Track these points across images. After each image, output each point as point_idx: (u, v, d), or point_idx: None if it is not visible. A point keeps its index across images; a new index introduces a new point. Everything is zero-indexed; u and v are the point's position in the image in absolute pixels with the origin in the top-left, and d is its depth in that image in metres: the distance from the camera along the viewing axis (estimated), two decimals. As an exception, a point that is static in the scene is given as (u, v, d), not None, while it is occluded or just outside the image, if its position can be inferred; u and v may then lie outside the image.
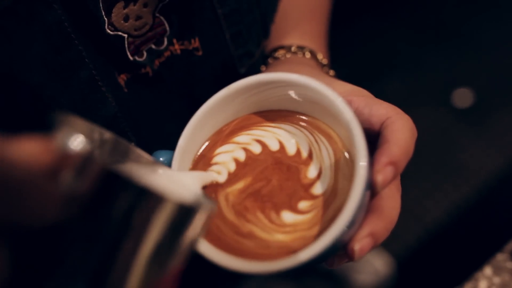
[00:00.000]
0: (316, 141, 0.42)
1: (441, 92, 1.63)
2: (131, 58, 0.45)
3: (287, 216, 0.39)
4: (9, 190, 0.24)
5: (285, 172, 0.41)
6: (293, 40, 0.58)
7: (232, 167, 0.42)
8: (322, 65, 0.56)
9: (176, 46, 0.48)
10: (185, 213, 0.28)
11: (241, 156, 0.43)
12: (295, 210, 0.39)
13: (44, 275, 0.25)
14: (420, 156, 1.53)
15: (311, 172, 0.41)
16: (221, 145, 0.44)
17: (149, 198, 0.26)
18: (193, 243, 0.29)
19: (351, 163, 0.40)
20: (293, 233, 0.38)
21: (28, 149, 0.25)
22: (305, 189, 0.40)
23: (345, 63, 1.67)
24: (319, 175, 0.40)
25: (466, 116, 1.58)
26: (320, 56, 0.56)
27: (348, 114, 0.38)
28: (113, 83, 0.45)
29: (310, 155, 0.41)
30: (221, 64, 0.52)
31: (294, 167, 0.41)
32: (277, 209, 0.39)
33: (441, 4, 1.82)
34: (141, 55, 0.46)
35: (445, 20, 1.80)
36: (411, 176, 1.49)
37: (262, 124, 0.44)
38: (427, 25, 1.80)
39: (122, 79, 0.46)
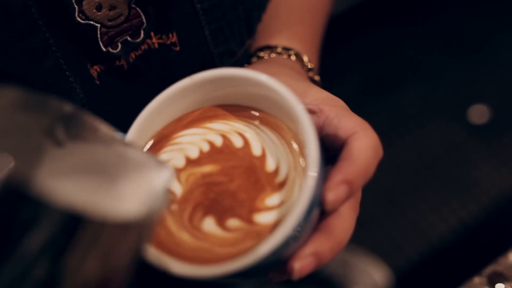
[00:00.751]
0: (280, 144, 0.41)
1: (457, 107, 1.60)
2: (104, 49, 0.44)
3: (234, 223, 0.38)
4: None
5: (244, 173, 0.40)
6: (280, 41, 0.56)
7: (190, 154, 0.42)
8: (308, 69, 0.55)
9: (154, 40, 0.48)
10: (112, 229, 0.25)
11: (202, 147, 0.42)
12: (243, 218, 0.38)
13: None
14: (430, 170, 1.51)
15: (268, 167, 0.39)
16: (178, 132, 0.43)
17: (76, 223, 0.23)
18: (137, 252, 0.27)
19: (299, 168, 0.39)
20: (237, 242, 0.37)
21: None
22: (261, 198, 0.38)
23: (362, 72, 1.65)
24: (279, 185, 0.38)
25: (481, 133, 1.54)
26: (306, 59, 0.55)
27: (305, 121, 0.36)
28: (84, 74, 0.44)
29: (263, 153, 0.40)
30: (199, 61, 0.51)
31: (254, 168, 0.40)
32: (227, 215, 0.38)
33: (466, 18, 1.78)
34: (115, 47, 0.45)
35: (468, 35, 1.76)
36: (419, 189, 1.47)
37: (226, 118, 0.43)
38: (449, 38, 1.76)
39: (95, 70, 0.45)
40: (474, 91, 1.62)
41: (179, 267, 0.35)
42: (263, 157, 0.40)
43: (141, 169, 0.30)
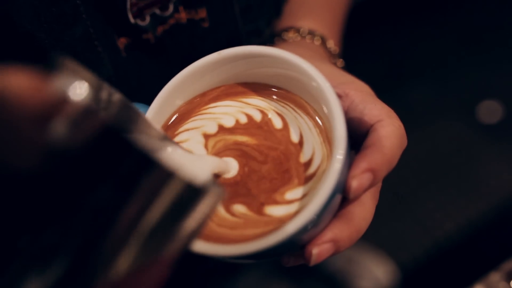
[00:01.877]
0: (316, 133, 0.39)
1: (467, 104, 1.59)
2: (132, 20, 0.43)
3: (241, 209, 0.37)
4: None
5: (278, 158, 0.38)
6: (305, 23, 0.55)
7: (224, 123, 0.41)
8: (331, 54, 0.54)
9: (182, 15, 0.47)
10: (192, 193, 0.25)
11: (239, 118, 0.41)
12: (253, 209, 0.37)
13: (15, 238, 0.21)
14: (438, 167, 1.50)
15: (303, 158, 0.38)
16: (210, 103, 0.42)
17: (154, 170, 0.23)
18: (197, 228, 0.26)
19: (330, 156, 0.37)
20: (237, 226, 0.37)
21: (17, 82, 0.21)
22: (282, 192, 0.37)
23: (371, 67, 1.64)
24: (308, 178, 0.37)
25: (491, 130, 1.54)
26: (330, 44, 0.54)
27: (333, 102, 0.35)
28: (111, 45, 0.44)
29: (301, 141, 0.39)
30: (226, 39, 0.50)
31: (289, 156, 0.38)
32: (238, 200, 0.37)
33: (476, 14, 1.77)
34: (143, 19, 0.44)
35: (480, 31, 1.75)
36: (426, 186, 1.46)
37: (261, 95, 0.42)
38: (460, 35, 1.75)
39: (121, 42, 0.45)
40: (484, 88, 1.61)
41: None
42: (300, 144, 0.38)
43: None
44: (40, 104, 0.21)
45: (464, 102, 1.59)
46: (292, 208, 0.36)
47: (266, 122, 0.40)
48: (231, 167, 0.38)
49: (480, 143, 1.52)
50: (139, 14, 0.44)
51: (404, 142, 0.38)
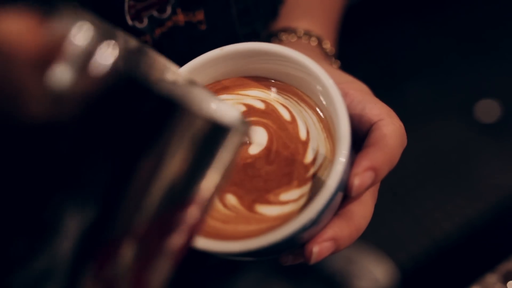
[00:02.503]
0: (320, 128, 0.40)
1: (466, 103, 1.58)
2: (130, 22, 0.43)
3: (233, 201, 0.37)
4: None
5: (286, 160, 0.38)
6: (302, 24, 0.56)
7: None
8: (327, 54, 0.54)
9: (180, 17, 0.47)
10: (219, 131, 0.24)
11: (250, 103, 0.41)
12: (244, 204, 0.37)
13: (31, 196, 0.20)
14: (436, 166, 1.50)
15: (307, 158, 0.38)
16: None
17: (175, 111, 0.21)
18: (226, 166, 0.25)
19: (332, 155, 0.38)
20: (229, 220, 0.37)
21: (13, 25, 0.19)
22: (277, 193, 0.37)
23: (369, 66, 1.64)
24: (307, 179, 0.37)
25: (489, 129, 1.53)
26: (326, 45, 0.54)
27: (338, 102, 0.36)
28: None
29: (307, 138, 0.39)
30: (224, 42, 0.50)
31: (295, 156, 0.38)
32: (230, 190, 0.37)
33: (481, 13, 1.77)
34: (141, 21, 0.44)
35: (479, 30, 1.75)
36: (424, 186, 1.46)
37: (260, 88, 0.42)
38: (459, 33, 1.75)
39: None
40: (483, 87, 1.61)
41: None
42: (306, 143, 0.38)
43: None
44: (40, 48, 0.19)
45: (462, 101, 1.59)
46: (287, 208, 0.36)
47: (272, 109, 0.40)
48: (256, 135, 0.39)
49: (478, 142, 1.52)
50: (136, 16, 0.44)
51: (404, 141, 0.38)
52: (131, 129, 0.21)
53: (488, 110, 1.56)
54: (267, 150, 0.38)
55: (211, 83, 0.42)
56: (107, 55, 0.20)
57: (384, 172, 0.36)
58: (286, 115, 0.39)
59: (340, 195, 0.36)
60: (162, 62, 0.28)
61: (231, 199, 0.37)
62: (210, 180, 0.24)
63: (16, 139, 0.20)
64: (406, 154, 0.40)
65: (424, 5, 1.77)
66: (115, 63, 0.20)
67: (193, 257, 0.38)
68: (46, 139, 0.20)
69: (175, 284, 0.74)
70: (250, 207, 0.36)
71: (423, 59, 1.71)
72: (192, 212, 0.24)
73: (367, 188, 0.35)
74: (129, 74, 0.21)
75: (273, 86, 0.41)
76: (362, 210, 0.37)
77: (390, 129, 0.37)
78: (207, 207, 0.25)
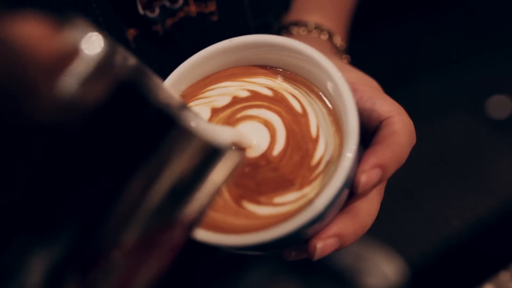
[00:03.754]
0: (329, 122, 0.39)
1: (477, 99, 1.57)
2: (141, 11, 0.43)
3: (226, 196, 0.36)
4: None
5: (295, 164, 0.37)
6: (313, 17, 0.55)
7: (224, 102, 0.40)
8: (337, 49, 0.54)
9: (192, 8, 0.47)
10: (211, 154, 0.24)
11: (241, 93, 0.40)
12: (270, 203, 0.36)
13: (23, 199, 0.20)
14: (447, 163, 1.49)
15: (315, 159, 0.37)
16: (215, 83, 0.41)
17: (173, 128, 0.22)
18: (216, 189, 0.26)
19: (340, 150, 0.37)
20: (221, 209, 0.36)
21: (29, 29, 0.20)
22: (272, 196, 0.36)
23: (380, 62, 1.63)
24: (310, 181, 0.36)
25: (501, 126, 1.52)
26: (336, 39, 0.54)
27: (347, 98, 0.35)
28: (121, 36, 0.44)
29: (317, 135, 0.38)
30: (235, 34, 0.50)
31: (304, 158, 0.37)
32: (270, 191, 0.36)
33: (493, 10, 1.75)
34: (152, 11, 0.44)
35: (495, 26, 1.73)
36: (435, 183, 1.45)
37: (268, 76, 0.41)
38: (469, 29, 1.74)
39: (130, 33, 0.45)
40: (495, 83, 1.60)
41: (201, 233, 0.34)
42: (316, 140, 0.37)
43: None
44: (52, 54, 0.20)
45: (474, 97, 1.58)
46: (282, 209, 0.35)
47: (281, 98, 0.40)
48: (251, 140, 0.38)
49: (489, 139, 1.50)
50: (148, 6, 0.44)
51: (413, 140, 0.38)
52: (128, 142, 0.21)
53: (499, 106, 1.55)
54: (279, 152, 0.37)
55: (217, 71, 0.41)
56: (115, 66, 0.21)
57: (391, 170, 0.35)
58: (297, 107, 0.39)
59: (346, 192, 0.35)
60: (159, 83, 0.29)
61: (225, 195, 0.37)
62: (199, 201, 0.25)
63: (18, 138, 0.20)
64: (417, 150, 0.39)
65: (436, 2, 1.76)
66: (121, 75, 0.21)
67: (201, 252, 0.38)
68: (46, 142, 0.20)
69: (184, 278, 0.74)
70: (237, 201, 0.36)
71: (434, 55, 1.70)
72: (178, 232, 0.25)
73: (374, 186, 0.35)
74: (135, 87, 0.21)
75: (281, 75, 0.41)
76: (367, 207, 0.37)
77: (399, 126, 0.37)
78: (192, 227, 0.26)
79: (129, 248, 0.22)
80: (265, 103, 0.39)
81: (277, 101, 0.39)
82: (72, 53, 0.20)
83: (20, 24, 0.20)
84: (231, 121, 0.39)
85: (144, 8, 0.43)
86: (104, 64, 0.21)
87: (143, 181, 0.22)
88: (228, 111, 0.39)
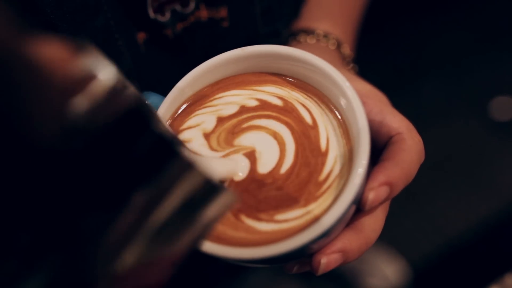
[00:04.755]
0: (339, 133, 0.38)
1: (480, 101, 1.57)
2: (152, 15, 0.43)
3: (248, 221, 0.36)
4: (13, 89, 0.19)
5: (302, 182, 0.36)
6: (322, 25, 0.55)
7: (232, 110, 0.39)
8: (345, 59, 0.53)
9: (203, 13, 0.46)
10: (209, 189, 0.24)
11: (249, 102, 0.40)
12: (271, 220, 0.35)
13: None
14: (450, 165, 1.49)
15: (323, 174, 0.36)
16: (224, 91, 0.41)
17: (175, 159, 0.22)
18: (208, 226, 0.26)
19: (349, 165, 0.36)
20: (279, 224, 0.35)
21: (50, 51, 0.20)
22: (273, 213, 0.35)
23: (382, 64, 1.63)
24: (315, 198, 0.36)
25: (503, 127, 1.52)
26: (345, 49, 0.53)
27: (359, 113, 0.35)
28: (131, 39, 0.44)
29: (327, 149, 0.37)
30: (246, 40, 0.50)
31: (312, 175, 0.36)
32: (275, 206, 0.36)
33: (497, 11, 1.75)
34: (163, 15, 0.44)
35: (499, 28, 1.72)
36: (437, 184, 1.44)
37: (278, 84, 0.40)
38: (477, 31, 1.73)
39: (141, 37, 0.44)
40: (497, 85, 1.60)
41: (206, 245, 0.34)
42: (325, 154, 0.37)
43: None
44: (68, 77, 0.20)
45: (477, 99, 1.58)
46: (285, 225, 0.35)
47: (292, 108, 0.39)
48: (240, 168, 0.37)
49: (492, 141, 1.50)
50: (159, 10, 0.44)
51: (422, 157, 0.37)
52: (128, 170, 0.21)
53: (503, 108, 1.54)
54: (286, 169, 0.37)
55: (226, 77, 0.41)
56: (124, 94, 0.21)
57: (399, 188, 0.35)
58: (307, 118, 0.38)
59: (353, 208, 0.35)
60: (155, 113, 0.30)
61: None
62: (188, 238, 0.25)
63: (23, 157, 0.20)
64: (424, 156, 0.39)
65: (439, 3, 1.76)
66: (129, 103, 0.21)
67: (203, 258, 0.38)
68: (49, 165, 0.20)
69: (187, 279, 0.74)
70: (235, 215, 0.35)
71: (437, 56, 1.69)
72: (163, 268, 0.25)
73: (381, 203, 0.35)
74: (141, 115, 0.22)
75: (292, 84, 0.40)
76: (372, 224, 0.36)
77: (409, 144, 0.36)
78: (178, 264, 0.25)
79: (114, 280, 0.22)
80: (274, 113, 0.39)
81: (287, 112, 0.39)
82: (88, 78, 0.21)
83: (43, 45, 0.20)
84: (236, 131, 0.38)
85: (155, 12, 0.43)
86: (116, 91, 0.21)
87: (138, 211, 0.22)
88: (234, 121, 0.39)
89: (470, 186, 1.42)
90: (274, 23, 0.51)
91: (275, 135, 0.38)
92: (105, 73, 0.21)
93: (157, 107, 0.38)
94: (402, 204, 1.39)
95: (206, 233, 0.26)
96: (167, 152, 0.22)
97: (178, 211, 0.23)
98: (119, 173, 0.21)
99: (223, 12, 0.47)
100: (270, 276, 1.10)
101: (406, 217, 1.37)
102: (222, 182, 0.36)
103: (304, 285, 1.20)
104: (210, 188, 0.24)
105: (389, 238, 1.30)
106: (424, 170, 1.37)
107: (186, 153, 0.23)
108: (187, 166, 0.23)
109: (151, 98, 0.39)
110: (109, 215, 0.21)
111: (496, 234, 1.35)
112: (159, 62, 0.46)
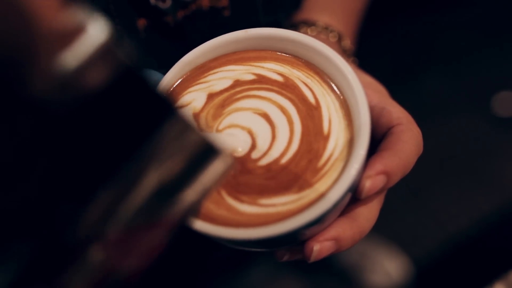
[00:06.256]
0: (342, 115, 0.37)
1: (482, 97, 1.57)
2: (152, 1, 0.43)
3: (233, 203, 0.35)
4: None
5: (301, 171, 0.35)
6: (323, 17, 0.54)
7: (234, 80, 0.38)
8: (345, 52, 0.53)
9: (205, 1, 0.46)
10: (207, 151, 0.23)
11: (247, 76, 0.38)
12: (241, 201, 0.35)
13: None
14: (452, 162, 1.48)
15: (323, 159, 0.35)
16: (220, 66, 0.39)
17: (172, 119, 0.21)
18: (206, 190, 0.25)
19: (349, 149, 0.35)
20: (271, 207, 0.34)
21: None
22: (267, 197, 0.34)
23: (384, 60, 1.63)
24: (309, 184, 0.34)
25: (506, 123, 1.52)
26: (345, 42, 0.53)
27: (359, 92, 0.35)
28: (131, 24, 0.43)
29: (329, 131, 0.36)
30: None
31: (311, 161, 0.35)
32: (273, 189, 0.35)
33: (499, 6, 1.74)
34: (164, 2, 0.44)
35: (500, 23, 1.72)
36: (440, 180, 1.44)
37: (279, 61, 0.39)
38: (479, 26, 1.73)
39: (141, 23, 0.44)
40: (500, 81, 1.59)
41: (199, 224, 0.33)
42: (327, 137, 0.35)
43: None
44: (58, 28, 0.19)
45: (480, 95, 1.58)
46: (271, 209, 0.34)
47: (293, 85, 0.38)
48: (238, 144, 0.36)
49: (495, 137, 1.50)
50: None
51: (420, 149, 0.37)
52: (122, 130, 0.21)
53: (506, 103, 1.54)
54: (288, 160, 0.35)
55: (224, 54, 0.40)
56: (117, 52, 0.20)
57: (396, 178, 0.35)
58: (310, 97, 0.37)
59: (349, 196, 0.35)
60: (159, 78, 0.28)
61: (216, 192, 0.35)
62: (186, 202, 0.24)
63: (9, 110, 0.19)
64: (423, 148, 0.39)
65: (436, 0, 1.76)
66: (123, 61, 0.20)
67: (204, 246, 0.37)
68: (36, 120, 0.19)
69: (187, 274, 0.74)
70: (218, 192, 0.35)
71: (439, 52, 1.69)
72: (161, 231, 0.24)
73: (377, 192, 0.35)
74: (136, 75, 0.21)
75: (293, 62, 0.39)
76: (367, 213, 0.36)
77: (408, 135, 0.36)
78: (175, 228, 0.25)
79: (108, 243, 0.22)
80: (275, 88, 0.38)
81: (289, 88, 0.37)
82: (77, 31, 0.20)
83: None
84: (226, 103, 0.37)
85: None
86: (107, 48, 0.20)
87: (133, 171, 0.21)
88: (225, 95, 0.37)
89: (473, 182, 1.42)
90: (275, 13, 0.50)
91: (282, 109, 0.37)
92: (97, 27, 0.20)
93: (156, 84, 0.37)
94: (404, 200, 1.39)
95: (204, 197, 0.25)
96: (163, 112, 0.21)
97: (176, 172, 0.23)
98: (113, 133, 0.21)
99: (224, 1, 0.46)
100: (271, 271, 1.10)
101: (409, 213, 1.37)
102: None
103: (306, 281, 1.19)
104: (208, 150, 0.23)
105: (391, 234, 1.30)
106: (426, 166, 1.37)
107: (183, 114, 0.22)
108: (185, 126, 0.22)
109: (150, 75, 0.38)
110: (103, 176, 0.20)
111: (499, 230, 1.34)
112: (160, 49, 0.46)
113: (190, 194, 0.24)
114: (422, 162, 1.40)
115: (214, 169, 0.24)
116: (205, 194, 0.25)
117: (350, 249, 0.37)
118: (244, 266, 0.95)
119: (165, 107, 0.21)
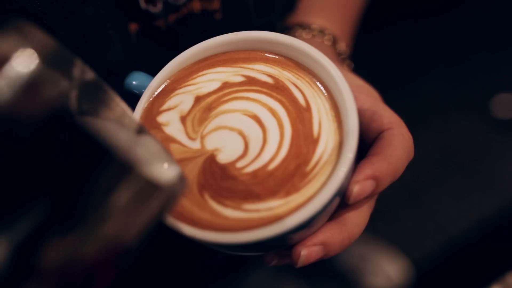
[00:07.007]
0: (331, 117, 0.37)
1: (481, 99, 1.57)
2: (143, 5, 0.43)
3: (206, 196, 0.34)
4: None
5: (291, 173, 0.34)
6: (318, 20, 0.54)
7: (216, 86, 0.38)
8: (340, 55, 0.53)
9: (196, 5, 0.46)
10: (149, 190, 0.23)
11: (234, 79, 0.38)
12: (277, 197, 0.34)
13: None
14: (451, 164, 1.48)
15: (311, 164, 0.34)
16: (208, 68, 0.39)
17: (108, 161, 0.20)
18: (151, 223, 0.24)
19: (337, 152, 0.35)
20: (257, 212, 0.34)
21: None
22: (251, 201, 0.34)
23: (383, 62, 1.63)
24: (296, 188, 0.34)
25: (505, 125, 1.51)
26: (340, 45, 0.53)
27: (349, 102, 0.34)
28: (122, 29, 0.43)
29: (319, 134, 0.36)
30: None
31: (301, 164, 0.35)
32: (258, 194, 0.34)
33: (498, 8, 1.74)
34: (155, 6, 0.44)
35: (500, 25, 1.72)
36: (439, 183, 1.44)
37: (269, 62, 0.39)
38: (478, 28, 1.72)
39: (133, 28, 0.44)
40: (499, 83, 1.59)
41: (187, 229, 0.33)
42: (316, 141, 0.35)
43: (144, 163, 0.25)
44: None
45: (479, 97, 1.57)
46: (255, 215, 0.33)
47: (283, 86, 0.37)
48: (229, 146, 0.36)
49: (494, 139, 1.50)
50: (151, 0, 0.43)
51: (411, 154, 0.37)
52: (51, 171, 0.19)
53: (504, 105, 1.54)
54: (276, 165, 0.35)
55: (213, 54, 0.39)
56: (44, 88, 0.19)
57: (385, 183, 0.35)
58: (301, 99, 0.37)
59: (337, 200, 0.34)
60: (117, 101, 0.26)
61: (205, 195, 0.35)
62: (128, 233, 0.23)
63: None
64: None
65: (438, 1, 1.75)
66: (52, 99, 0.19)
67: (202, 250, 0.37)
68: None
69: (187, 277, 0.74)
70: (200, 193, 0.34)
71: (438, 54, 1.69)
72: (106, 265, 0.23)
73: (366, 197, 0.34)
74: (65, 112, 0.19)
75: (283, 64, 0.38)
76: (356, 218, 0.36)
77: (398, 139, 0.36)
78: (119, 261, 0.24)
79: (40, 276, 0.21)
80: (264, 89, 0.37)
81: (279, 89, 0.37)
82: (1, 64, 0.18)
83: None
84: (213, 106, 0.37)
85: (146, 2, 0.43)
86: (31, 84, 0.18)
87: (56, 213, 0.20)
88: (212, 97, 0.37)
89: (473, 184, 1.42)
90: (267, 15, 0.50)
91: (272, 112, 0.36)
92: (22, 61, 0.18)
93: (145, 87, 0.37)
94: (404, 203, 1.38)
95: (151, 226, 0.24)
96: (96, 155, 0.20)
97: (116, 208, 0.21)
98: (44, 173, 0.19)
99: (216, 4, 0.46)
100: (271, 274, 1.09)
101: (408, 216, 1.37)
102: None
103: (306, 284, 1.19)
104: (151, 188, 0.22)
105: (391, 237, 1.29)
106: (426, 168, 1.38)
107: (123, 156, 0.20)
108: (125, 168, 0.20)
109: (139, 77, 0.38)
110: (23, 213, 0.19)
111: (498, 232, 1.34)
112: (152, 53, 0.46)
113: (137, 221, 0.23)
114: (421, 164, 1.40)
115: (156, 204, 0.23)
116: (152, 225, 0.24)
117: (350, 251, 0.37)
118: (243, 269, 0.95)
119: (98, 150, 0.20)
